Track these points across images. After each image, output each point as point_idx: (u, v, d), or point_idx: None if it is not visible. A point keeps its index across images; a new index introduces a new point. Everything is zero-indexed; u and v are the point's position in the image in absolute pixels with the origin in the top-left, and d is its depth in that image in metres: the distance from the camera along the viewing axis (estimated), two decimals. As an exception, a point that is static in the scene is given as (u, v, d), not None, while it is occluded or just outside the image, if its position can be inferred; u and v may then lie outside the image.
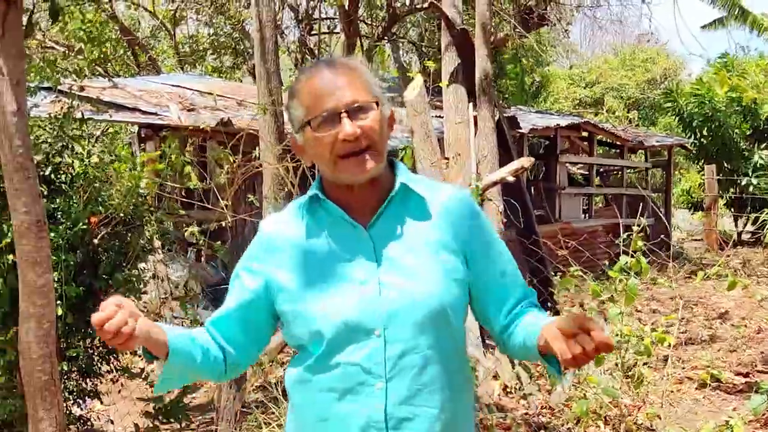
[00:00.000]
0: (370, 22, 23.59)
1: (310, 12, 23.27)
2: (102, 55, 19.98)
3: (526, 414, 6.47)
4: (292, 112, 2.30)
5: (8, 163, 4.12)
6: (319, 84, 2.22)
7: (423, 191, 2.31)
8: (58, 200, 5.31)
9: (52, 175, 5.48)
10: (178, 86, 15.31)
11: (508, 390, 7.05)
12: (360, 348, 2.19)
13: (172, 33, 23.22)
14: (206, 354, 2.32)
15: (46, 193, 5.23)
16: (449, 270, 2.25)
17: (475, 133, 8.43)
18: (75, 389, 5.64)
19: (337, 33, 23.79)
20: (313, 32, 23.98)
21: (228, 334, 2.38)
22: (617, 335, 5.90)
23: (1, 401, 5.36)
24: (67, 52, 16.59)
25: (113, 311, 2.01)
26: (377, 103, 2.23)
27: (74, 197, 5.37)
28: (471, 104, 8.66)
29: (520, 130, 14.52)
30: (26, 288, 4.30)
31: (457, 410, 2.29)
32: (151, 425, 5.63)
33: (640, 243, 5.35)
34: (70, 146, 5.61)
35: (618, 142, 20.15)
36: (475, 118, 8.53)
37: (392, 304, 2.19)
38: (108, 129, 6.14)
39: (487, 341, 8.08)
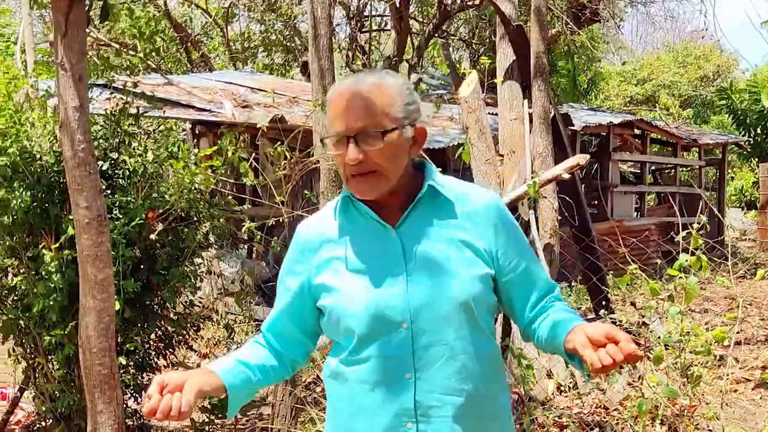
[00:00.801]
0: (421, 19, 23.53)
1: (361, 9, 23.26)
2: (153, 50, 20.15)
3: (581, 413, 6.42)
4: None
5: (70, 159, 4.16)
6: (338, 103, 2.31)
7: (450, 193, 2.42)
8: (116, 195, 5.35)
9: (110, 171, 5.53)
10: (231, 83, 15.37)
11: (562, 388, 7.00)
12: (389, 341, 2.33)
13: (225, 30, 23.32)
14: (263, 370, 2.52)
15: (104, 188, 5.28)
16: (473, 266, 2.36)
17: (530, 130, 8.37)
18: (132, 383, 5.68)
19: (388, 30, 23.78)
20: (363, 29, 23.97)
21: (282, 335, 2.57)
22: (673, 335, 5.83)
23: (60, 394, 5.42)
24: (120, 49, 16.77)
25: (156, 401, 2.19)
26: (395, 128, 2.30)
27: (132, 193, 5.41)
28: (526, 101, 8.61)
29: (572, 128, 14.42)
30: (86, 282, 4.34)
31: (487, 397, 2.41)
32: (206, 419, 5.66)
33: (700, 241, 5.28)
34: (126, 142, 5.65)
35: (671, 140, 19.94)
36: (530, 114, 8.47)
37: (418, 299, 2.31)
38: (160, 125, 6.17)
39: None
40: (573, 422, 5.95)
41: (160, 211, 5.51)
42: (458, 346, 2.33)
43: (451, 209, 2.40)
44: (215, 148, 5.99)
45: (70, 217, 4.85)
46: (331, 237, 2.45)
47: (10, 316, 5.42)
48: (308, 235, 2.50)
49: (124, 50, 17.74)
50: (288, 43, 23.69)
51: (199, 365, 5.79)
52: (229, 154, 6.01)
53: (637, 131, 18.99)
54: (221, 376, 2.38)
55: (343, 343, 2.41)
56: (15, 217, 5.19)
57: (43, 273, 5.18)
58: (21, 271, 5.29)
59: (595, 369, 2.08)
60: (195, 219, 5.78)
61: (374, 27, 25.04)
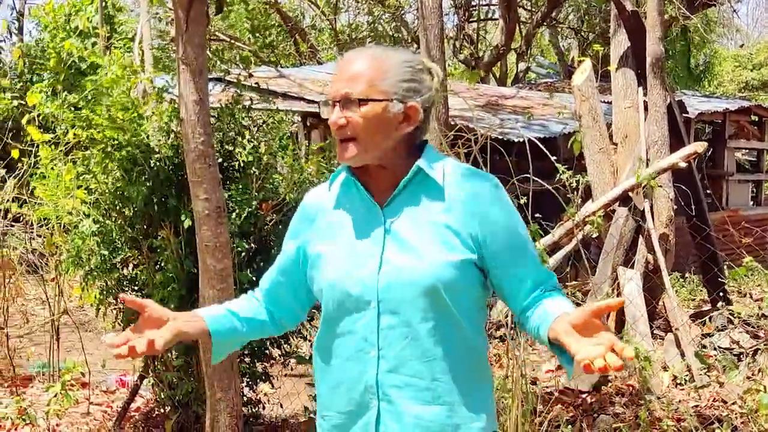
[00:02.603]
0: (529, 8, 23.31)
1: (470, -2, 23.15)
2: (265, 45, 20.36)
3: (697, 406, 6.30)
4: None
5: (190, 152, 4.24)
6: (336, 70, 2.43)
7: (441, 176, 2.40)
8: (232, 188, 5.42)
9: (224, 163, 5.60)
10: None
11: (678, 381, 6.88)
12: (359, 318, 2.37)
13: (333, 22, 23.47)
14: (251, 323, 2.61)
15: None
16: (451, 251, 2.33)
17: (645, 118, 8.22)
18: (247, 372, 5.75)
19: (496, 19, 23.61)
20: (471, 19, 23.85)
21: (273, 294, 2.66)
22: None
23: (179, 382, 5.53)
24: (231, 42, 17.00)
25: (123, 339, 2.26)
26: (380, 100, 2.34)
27: (247, 185, 5.47)
28: (640, 88, 8.45)
29: (686, 115, 14.11)
30: (206, 273, 4.42)
31: (455, 385, 2.38)
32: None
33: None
34: (242, 134, 5.72)
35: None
36: (645, 102, 8.32)
37: (387, 279, 2.34)
38: (270, 117, 6.22)
39: (655, 331, 7.90)
40: (690, 416, 5.83)
41: (274, 202, 5.56)
42: (423, 331, 2.33)
43: (440, 192, 2.38)
44: (323, 144, 6.00)
45: (189, 208, 4.95)
46: (327, 208, 2.51)
47: (130, 306, 5.54)
48: (309, 204, 2.58)
49: (235, 43, 17.98)
50: (395, 34, 23.71)
51: (311, 356, 5.83)
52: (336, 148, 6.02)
53: (754, 117, 18.48)
54: (207, 321, 2.49)
55: (323, 315, 2.48)
56: (135, 209, 5.31)
57: (162, 263, 5.29)
58: (141, 261, 5.41)
59: (580, 361, 2.01)
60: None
61: (482, 16, 24.89)
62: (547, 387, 6.80)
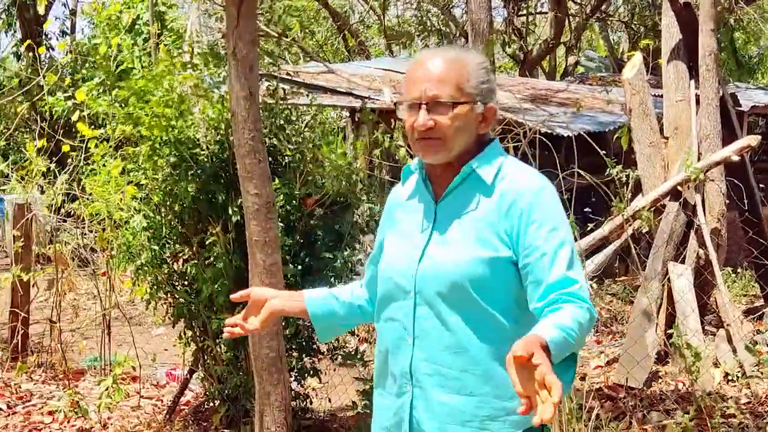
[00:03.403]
0: (579, 1, 23.10)
1: (519, -9, 22.97)
2: (307, 31, 20.32)
3: (749, 403, 6.22)
4: None
5: (240, 147, 4.27)
6: (416, 70, 2.48)
7: (491, 175, 2.45)
8: (276, 182, 5.42)
9: (269, 158, 5.60)
10: (389, 70, 15.41)
11: (730, 377, 6.80)
12: (400, 306, 2.51)
13: (382, 17, 23.44)
14: (349, 308, 2.81)
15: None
16: (484, 247, 2.40)
17: (697, 111, 8.10)
18: (295, 366, 5.76)
19: (545, 13, 23.44)
20: (520, 13, 23.67)
21: (369, 281, 2.81)
22: None
23: (228, 376, 5.56)
24: (272, 36, 17.00)
25: (234, 322, 2.69)
26: (466, 102, 2.42)
27: (291, 179, 5.47)
28: (692, 81, 8.33)
29: (739, 108, 13.89)
30: (255, 267, 4.44)
31: (489, 378, 2.41)
32: (368, 402, 5.69)
33: None
34: (283, 128, 5.72)
35: None
36: (697, 95, 8.19)
37: (423, 271, 2.45)
38: (320, 113, 6.21)
39: (706, 327, 7.81)
40: (742, 412, 5.77)
41: (317, 197, 5.55)
42: (454, 323, 2.41)
43: (489, 190, 2.45)
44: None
45: (237, 203, 4.97)
46: (401, 201, 2.65)
47: (180, 300, 5.60)
48: (390, 199, 2.72)
49: (279, 39, 17.96)
50: (443, 29, 23.62)
51: (356, 350, 5.86)
52: (386, 143, 6.02)
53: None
54: (306, 304, 2.75)
55: (377, 300, 2.63)
56: (184, 204, 5.34)
57: (212, 258, 5.31)
58: (191, 256, 5.44)
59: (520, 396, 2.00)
60: (355, 204, 5.79)
61: (531, 9, 24.69)
62: (595, 383, 6.76)
